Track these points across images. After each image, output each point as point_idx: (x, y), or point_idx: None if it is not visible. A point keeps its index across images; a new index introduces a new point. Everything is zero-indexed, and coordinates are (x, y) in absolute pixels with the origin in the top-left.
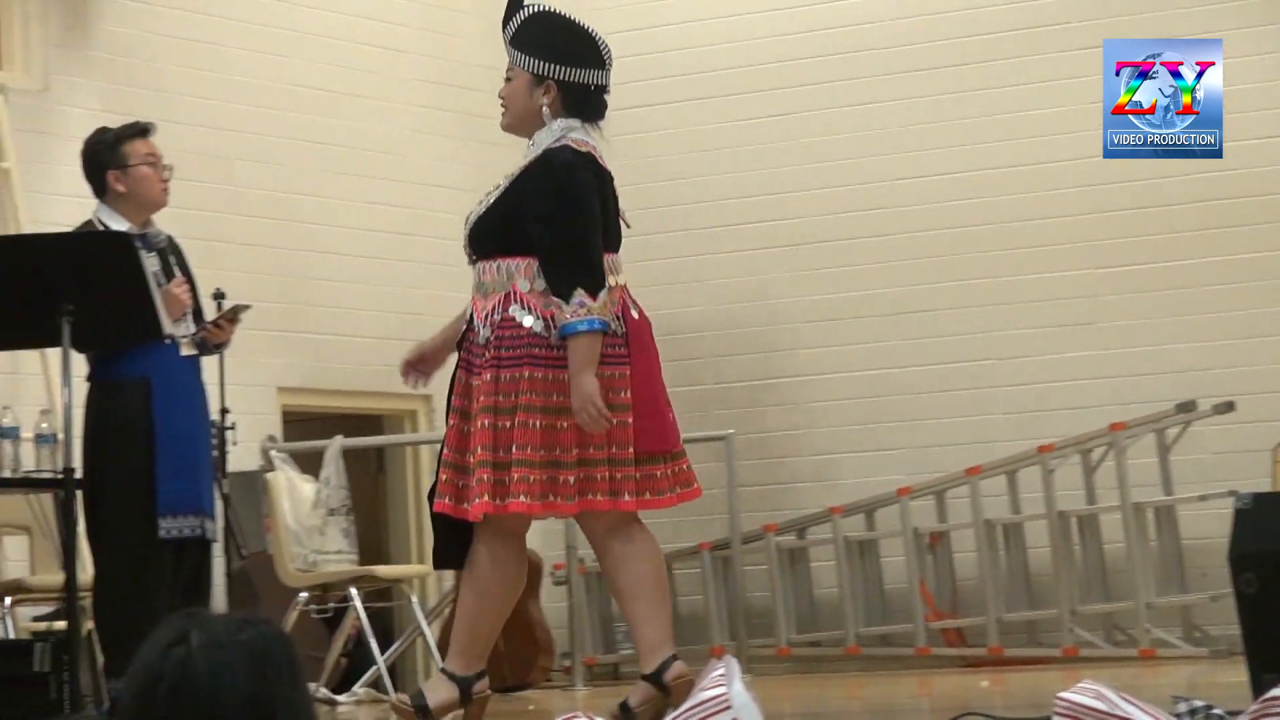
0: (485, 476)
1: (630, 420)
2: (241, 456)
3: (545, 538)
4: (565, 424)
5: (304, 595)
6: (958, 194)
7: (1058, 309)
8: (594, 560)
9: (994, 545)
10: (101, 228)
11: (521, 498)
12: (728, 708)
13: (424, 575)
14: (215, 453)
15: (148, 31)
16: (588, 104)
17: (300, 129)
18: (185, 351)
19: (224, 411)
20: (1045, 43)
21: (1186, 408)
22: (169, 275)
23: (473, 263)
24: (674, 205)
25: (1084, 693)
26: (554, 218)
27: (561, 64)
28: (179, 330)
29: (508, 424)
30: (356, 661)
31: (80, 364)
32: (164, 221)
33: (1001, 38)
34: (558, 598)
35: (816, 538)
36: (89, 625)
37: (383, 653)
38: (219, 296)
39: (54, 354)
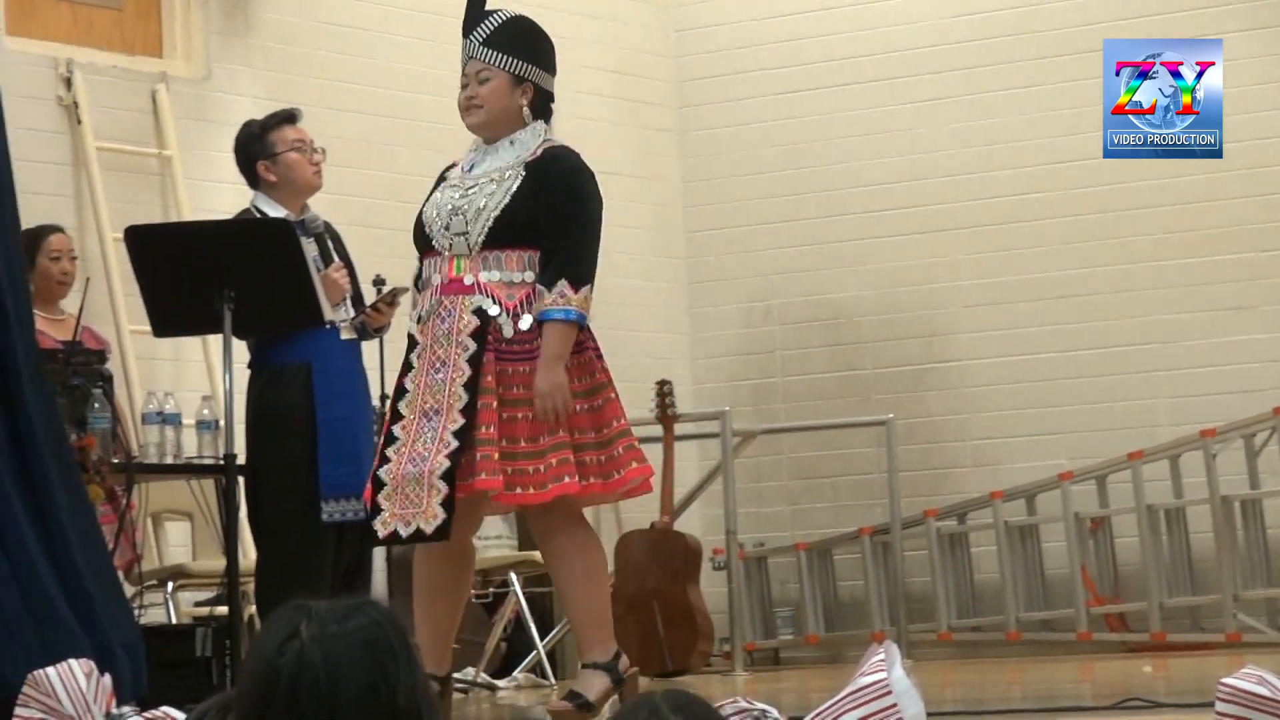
0: (559, 459)
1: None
2: None
3: (705, 523)
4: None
5: None
6: (1120, 177)
7: (1221, 292)
8: (755, 546)
9: (1156, 530)
10: (259, 215)
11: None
12: (888, 693)
13: None
14: (377, 439)
15: (308, 19)
16: (548, 109)
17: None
18: (345, 336)
19: (384, 397)
20: (1217, 23)
21: None
22: (326, 261)
23: (473, 252)
24: (833, 190)
25: (1247, 678)
26: (576, 217)
27: (540, 68)
28: (339, 315)
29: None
30: (516, 646)
31: (241, 350)
32: (323, 207)
33: (1175, 17)
34: (717, 583)
35: (977, 523)
36: (250, 610)
37: (542, 638)
38: (379, 283)
39: (215, 341)
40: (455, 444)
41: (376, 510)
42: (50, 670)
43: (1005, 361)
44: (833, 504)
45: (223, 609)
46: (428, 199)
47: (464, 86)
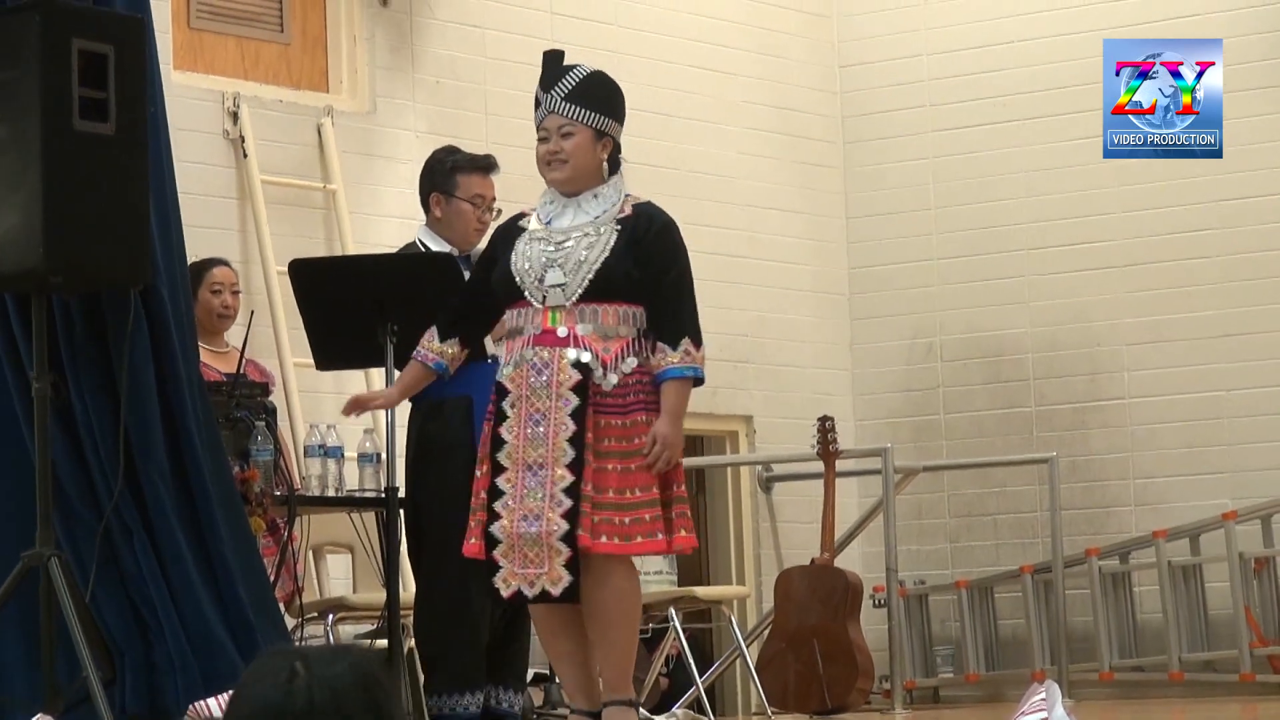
0: (651, 515)
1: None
2: None
3: (866, 560)
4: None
5: None
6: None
7: None
8: (915, 583)
9: None
10: (423, 249)
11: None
12: None
13: (744, 596)
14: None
15: (474, 53)
16: (619, 161)
17: (631, 151)
18: None
19: None
20: None
21: None
22: None
23: (569, 304)
24: (997, 226)
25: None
26: (683, 274)
27: (617, 122)
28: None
29: (633, 466)
30: (676, 682)
31: None
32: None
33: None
34: (877, 620)
35: (1139, 562)
36: (410, 643)
37: (701, 674)
38: None
39: (377, 374)
40: (569, 503)
41: (493, 567)
42: (211, 700)
43: (1168, 400)
44: (994, 542)
45: (383, 642)
46: (508, 250)
47: (543, 140)
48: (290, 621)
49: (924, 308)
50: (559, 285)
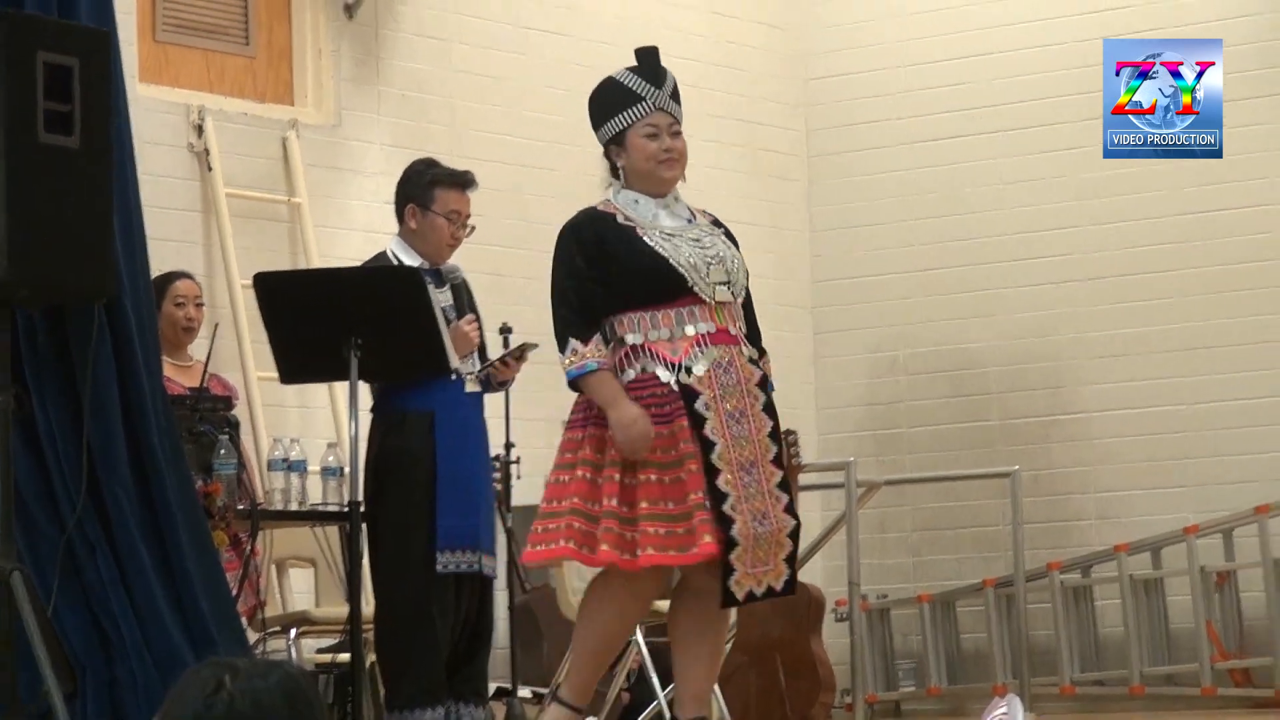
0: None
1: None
2: (526, 490)
3: (829, 574)
4: None
5: None
6: (1247, 229)
7: None
8: (877, 597)
9: None
10: (394, 261)
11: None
12: None
13: None
14: (499, 487)
15: (439, 66)
16: None
17: (591, 165)
18: (470, 388)
19: (508, 446)
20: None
21: None
22: (461, 312)
23: (736, 301)
24: (961, 240)
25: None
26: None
27: None
28: (465, 366)
29: None
30: (637, 696)
31: (366, 397)
32: (454, 256)
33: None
34: (839, 634)
35: (1101, 576)
36: (372, 658)
37: (663, 688)
38: (505, 330)
39: (341, 388)
40: (786, 498)
41: (729, 569)
42: None
43: (1131, 414)
44: (956, 556)
45: (345, 656)
46: (632, 248)
47: (651, 136)
48: (253, 635)
49: (888, 321)
50: (724, 283)
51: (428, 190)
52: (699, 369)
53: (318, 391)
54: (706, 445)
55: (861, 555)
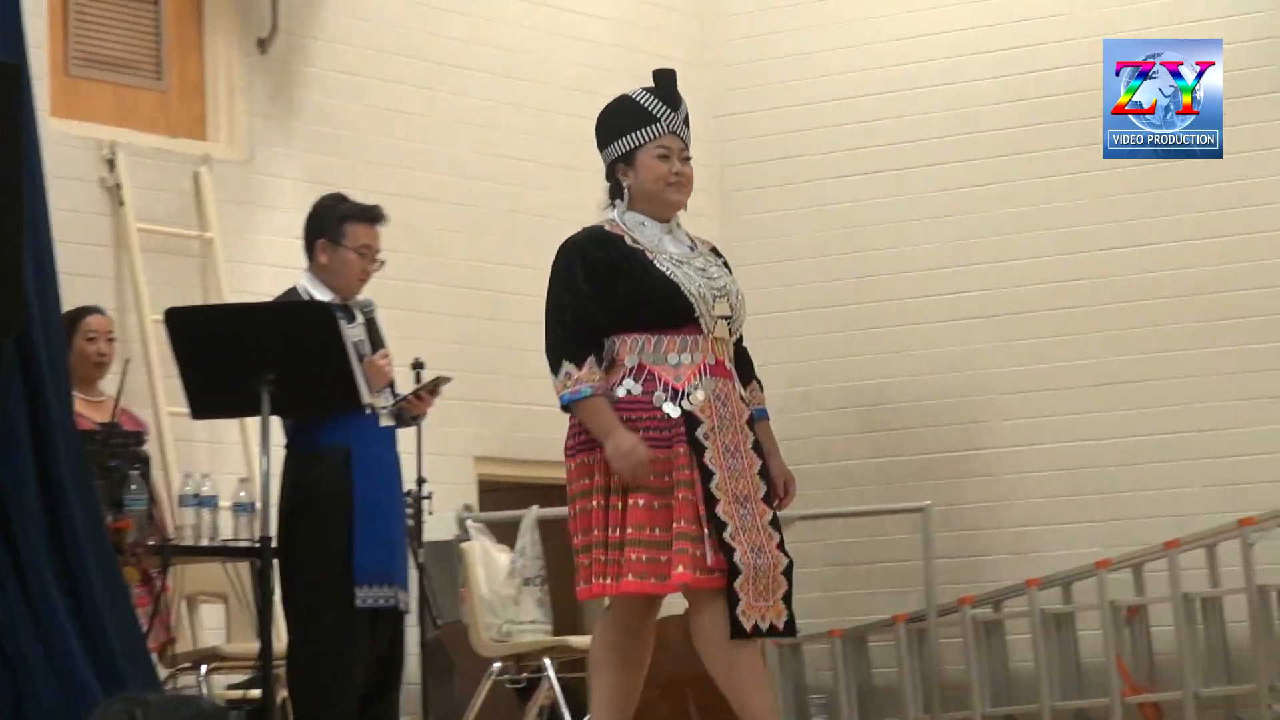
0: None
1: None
2: (437, 526)
3: None
4: None
5: (498, 665)
6: (1158, 265)
7: (1258, 380)
8: None
9: (1192, 619)
10: (305, 296)
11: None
12: None
13: None
14: (411, 522)
15: (351, 102)
16: None
17: (504, 199)
18: (384, 422)
19: (420, 481)
20: (1250, 112)
21: None
22: (374, 346)
23: (731, 336)
24: (873, 276)
25: None
26: None
27: None
28: (378, 401)
29: None
30: None
31: (279, 433)
32: (364, 290)
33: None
34: None
35: (1013, 610)
36: (283, 694)
37: None
38: (417, 366)
39: (253, 423)
40: (778, 536)
41: (734, 599)
42: None
43: (1043, 449)
44: (868, 591)
45: (256, 692)
46: (643, 270)
47: (662, 158)
48: (163, 671)
49: (801, 356)
50: (726, 318)
51: (338, 225)
52: (699, 398)
53: (229, 427)
54: (705, 474)
55: None
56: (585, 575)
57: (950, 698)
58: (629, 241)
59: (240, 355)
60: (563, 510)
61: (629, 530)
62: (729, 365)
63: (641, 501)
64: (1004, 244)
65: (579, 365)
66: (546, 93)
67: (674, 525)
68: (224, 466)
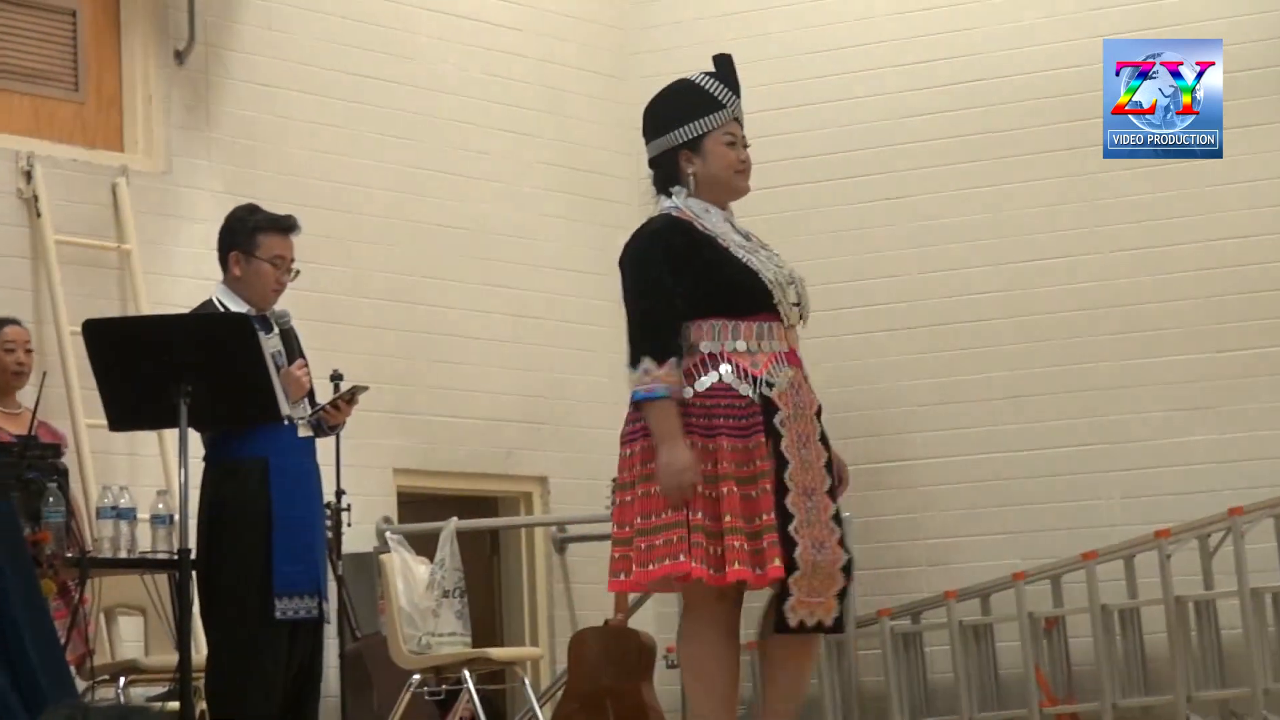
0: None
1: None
2: (356, 538)
3: (660, 621)
4: None
5: (417, 677)
6: (1072, 278)
7: (1176, 393)
8: None
9: (1110, 630)
10: (220, 308)
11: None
12: None
13: (537, 658)
14: (330, 534)
15: (268, 113)
16: None
17: (422, 211)
18: (302, 433)
19: (340, 493)
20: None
21: None
22: (291, 357)
23: (801, 324)
24: None
25: None
26: None
27: None
28: (296, 412)
29: None
30: None
31: (197, 445)
32: (281, 301)
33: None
34: (671, 681)
35: (931, 622)
36: (201, 706)
37: None
38: (336, 378)
39: (171, 435)
40: (840, 531)
41: (785, 594)
42: None
43: (960, 461)
44: None
45: (175, 705)
46: (715, 256)
47: (730, 144)
48: (81, 684)
49: None
50: (797, 304)
51: (251, 236)
52: (778, 385)
53: (147, 439)
54: (780, 462)
55: None
56: (645, 558)
57: (869, 709)
58: (700, 228)
59: (158, 367)
60: (481, 522)
61: (726, 518)
62: (799, 354)
63: (734, 489)
64: (919, 256)
65: (659, 363)
66: (464, 104)
67: (761, 517)
68: (142, 479)
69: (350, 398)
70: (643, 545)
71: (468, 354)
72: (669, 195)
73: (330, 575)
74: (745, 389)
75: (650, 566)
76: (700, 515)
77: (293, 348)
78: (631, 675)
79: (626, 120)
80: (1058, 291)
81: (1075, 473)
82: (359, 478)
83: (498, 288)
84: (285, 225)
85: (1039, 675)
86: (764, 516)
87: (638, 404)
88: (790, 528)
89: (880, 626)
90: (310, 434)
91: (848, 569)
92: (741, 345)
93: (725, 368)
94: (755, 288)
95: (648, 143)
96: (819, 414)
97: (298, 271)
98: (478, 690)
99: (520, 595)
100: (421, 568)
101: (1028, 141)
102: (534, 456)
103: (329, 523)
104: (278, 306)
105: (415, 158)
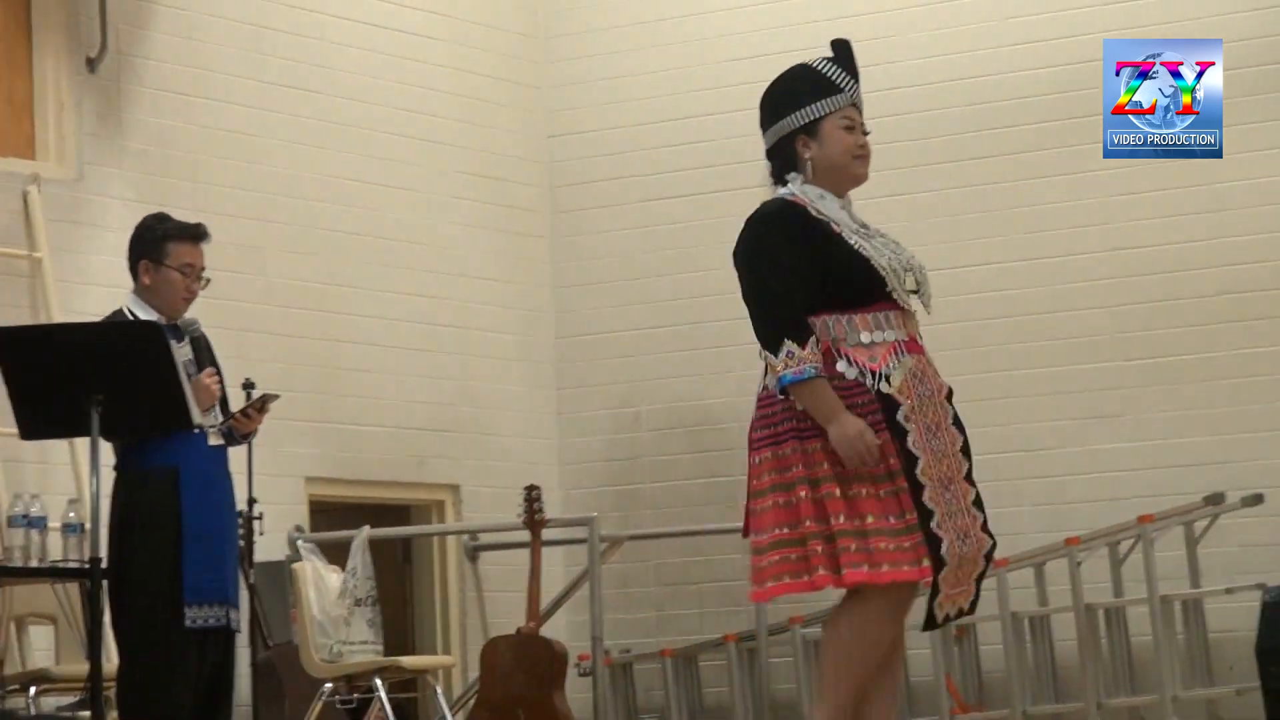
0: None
1: None
2: (268, 546)
3: (572, 629)
4: None
5: (329, 686)
6: (977, 288)
7: (1085, 400)
8: (621, 652)
9: (1020, 638)
10: (131, 317)
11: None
12: None
13: (449, 666)
14: (242, 543)
15: (181, 121)
16: None
17: (335, 220)
18: (213, 441)
19: (251, 501)
20: (1058, 137)
21: (1214, 500)
22: (201, 365)
23: (922, 310)
24: (701, 296)
25: None
26: None
27: None
28: (207, 420)
29: None
30: None
31: (108, 453)
32: (194, 310)
33: (1017, 130)
34: (583, 689)
35: None
36: (113, 715)
37: None
38: (248, 386)
39: (82, 443)
40: (983, 516)
41: (935, 590)
42: None
43: None
44: (699, 610)
45: (85, 714)
46: (829, 243)
47: (849, 129)
48: None
49: (630, 377)
50: (915, 291)
51: (160, 245)
52: (896, 378)
53: (58, 447)
54: (909, 460)
55: (605, 610)
56: (797, 569)
57: (781, 717)
58: (814, 213)
59: (69, 375)
60: (393, 530)
61: (869, 520)
62: (921, 340)
63: (865, 491)
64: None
65: (802, 344)
66: (378, 113)
67: (905, 515)
68: (53, 487)
69: (261, 406)
70: (863, 545)
71: (380, 362)
72: (785, 184)
73: (242, 584)
74: (867, 380)
75: (884, 567)
76: (843, 519)
77: (203, 356)
78: (543, 683)
79: (539, 129)
80: (967, 300)
81: (985, 480)
82: (271, 486)
83: (410, 296)
84: (194, 233)
85: (949, 683)
86: (908, 515)
87: (784, 390)
88: (932, 524)
89: (792, 634)
90: (221, 442)
91: (989, 554)
92: (861, 338)
93: (842, 364)
94: (870, 275)
95: (764, 131)
96: (949, 397)
97: (208, 280)
98: (390, 699)
99: (432, 603)
100: (334, 576)
101: (923, 152)
102: (446, 464)
103: (241, 531)
104: (188, 315)
105: (328, 166)
